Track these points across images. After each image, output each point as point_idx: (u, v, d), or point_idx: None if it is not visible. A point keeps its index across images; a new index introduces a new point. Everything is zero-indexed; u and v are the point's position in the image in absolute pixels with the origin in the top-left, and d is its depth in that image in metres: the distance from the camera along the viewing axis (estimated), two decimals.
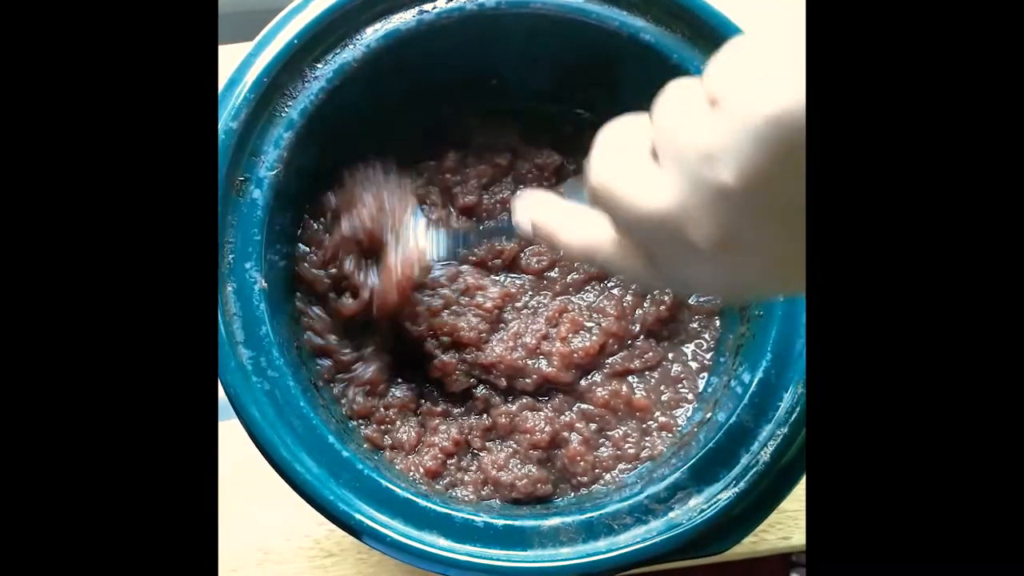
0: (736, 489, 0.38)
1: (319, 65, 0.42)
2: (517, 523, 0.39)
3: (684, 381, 0.47)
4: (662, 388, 0.47)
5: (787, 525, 0.53)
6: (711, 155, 0.23)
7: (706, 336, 0.48)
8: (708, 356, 0.47)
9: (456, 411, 0.46)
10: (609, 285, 0.49)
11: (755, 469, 0.39)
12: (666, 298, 0.47)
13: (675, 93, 0.26)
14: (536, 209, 0.33)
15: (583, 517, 0.39)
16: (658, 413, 0.46)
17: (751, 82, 0.22)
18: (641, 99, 0.47)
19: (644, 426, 0.46)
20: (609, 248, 0.29)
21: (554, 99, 0.48)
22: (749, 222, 0.24)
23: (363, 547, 0.51)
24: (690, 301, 0.48)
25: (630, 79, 0.45)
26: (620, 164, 0.27)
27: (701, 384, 0.46)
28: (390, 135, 0.48)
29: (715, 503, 0.38)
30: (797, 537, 0.53)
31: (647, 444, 0.45)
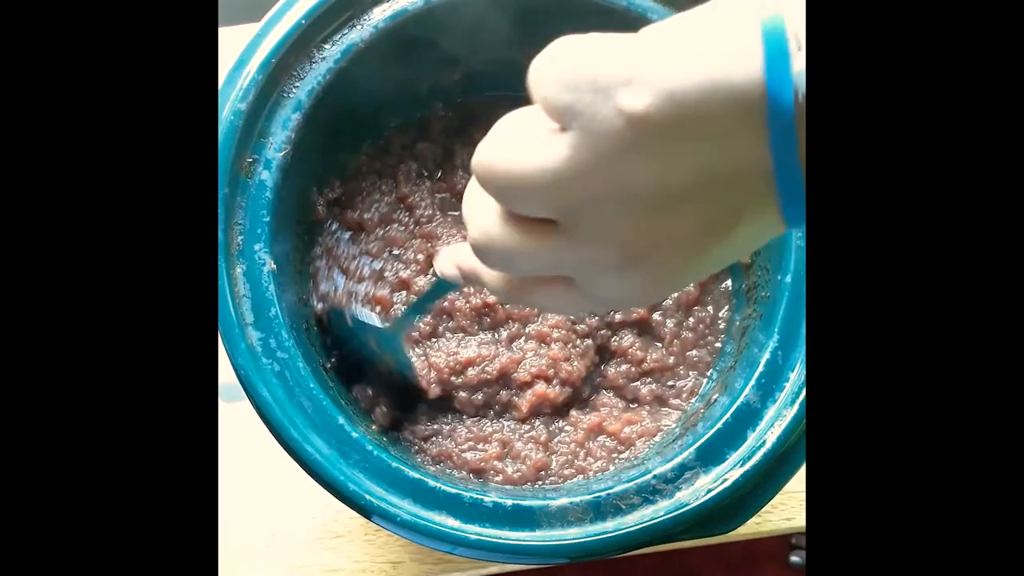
0: (742, 469, 0.39)
1: (327, 46, 0.42)
2: (525, 503, 0.39)
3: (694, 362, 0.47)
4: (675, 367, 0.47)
5: (790, 506, 0.53)
6: (628, 79, 0.21)
7: (717, 318, 0.48)
8: (719, 339, 0.47)
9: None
10: None
11: (761, 449, 0.39)
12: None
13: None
14: (456, 254, 0.32)
15: (590, 497, 0.39)
16: (668, 396, 0.47)
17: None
18: None
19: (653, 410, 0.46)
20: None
21: None
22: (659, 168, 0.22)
23: (370, 528, 0.52)
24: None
25: None
26: (508, 136, 0.24)
27: (710, 365, 0.47)
28: (398, 116, 0.48)
29: (722, 483, 0.39)
30: (800, 518, 0.53)
31: (656, 426, 0.46)
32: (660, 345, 0.48)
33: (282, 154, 0.41)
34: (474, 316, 0.47)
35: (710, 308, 0.48)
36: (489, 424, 0.46)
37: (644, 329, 0.48)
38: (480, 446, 0.45)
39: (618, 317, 0.48)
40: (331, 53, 0.42)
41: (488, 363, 0.46)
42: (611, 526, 0.39)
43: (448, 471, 0.44)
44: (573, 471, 0.45)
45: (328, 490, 0.38)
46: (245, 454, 0.52)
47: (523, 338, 0.47)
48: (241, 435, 0.51)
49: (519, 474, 0.44)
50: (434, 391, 0.46)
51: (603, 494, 0.39)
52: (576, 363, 0.46)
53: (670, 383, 0.47)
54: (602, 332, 0.48)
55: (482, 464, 0.44)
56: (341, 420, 0.39)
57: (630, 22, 0.43)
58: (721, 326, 0.48)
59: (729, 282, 0.48)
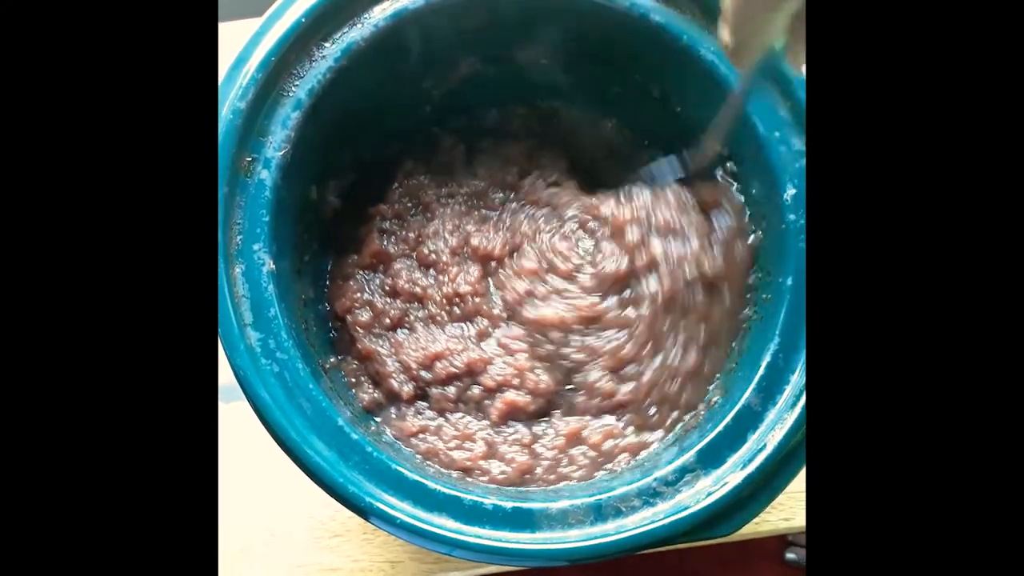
0: (743, 472, 0.39)
1: (326, 44, 0.41)
2: (525, 505, 0.39)
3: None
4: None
5: (789, 506, 0.53)
6: None
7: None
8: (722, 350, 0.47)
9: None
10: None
11: (762, 452, 0.39)
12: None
13: None
14: None
15: (591, 500, 0.39)
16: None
17: None
18: (650, 82, 0.47)
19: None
20: None
21: (563, 84, 0.48)
22: None
23: (368, 527, 0.52)
24: None
25: (640, 62, 0.45)
26: None
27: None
28: (397, 115, 0.48)
29: (722, 486, 0.39)
30: (798, 518, 0.53)
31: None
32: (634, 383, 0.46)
33: (281, 153, 0.40)
34: (444, 305, 0.47)
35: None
36: (474, 422, 0.46)
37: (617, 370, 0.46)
38: (466, 444, 0.45)
39: (580, 356, 0.46)
40: (331, 51, 0.41)
41: (456, 356, 0.46)
42: (612, 528, 0.38)
43: (438, 469, 0.44)
44: (555, 478, 0.44)
45: (328, 492, 0.38)
46: (243, 454, 0.52)
47: (492, 339, 0.47)
48: (239, 435, 0.50)
49: (504, 476, 0.44)
50: (407, 392, 0.45)
51: (604, 496, 0.39)
52: (543, 375, 0.46)
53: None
54: (562, 362, 0.46)
55: (468, 463, 0.44)
56: (340, 422, 0.39)
57: (631, 22, 0.42)
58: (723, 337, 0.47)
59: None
